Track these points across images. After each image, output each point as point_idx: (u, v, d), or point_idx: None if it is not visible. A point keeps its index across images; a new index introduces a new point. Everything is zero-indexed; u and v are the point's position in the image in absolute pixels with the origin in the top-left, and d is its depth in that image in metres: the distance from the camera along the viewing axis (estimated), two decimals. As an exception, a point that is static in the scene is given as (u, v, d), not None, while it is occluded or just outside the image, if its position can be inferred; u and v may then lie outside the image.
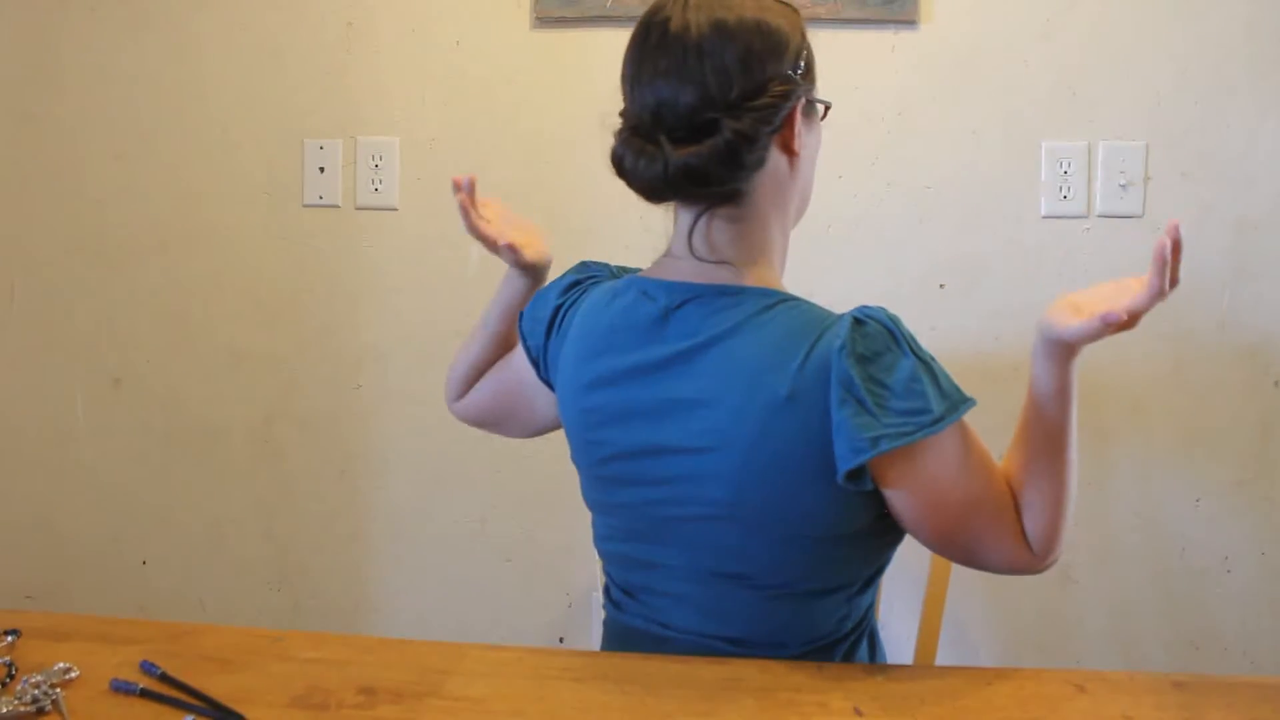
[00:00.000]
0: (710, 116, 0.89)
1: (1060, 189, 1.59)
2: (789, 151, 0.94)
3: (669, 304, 0.93)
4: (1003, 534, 0.90)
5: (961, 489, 0.87)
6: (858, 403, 0.83)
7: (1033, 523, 0.91)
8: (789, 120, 0.92)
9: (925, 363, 0.86)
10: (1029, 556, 0.91)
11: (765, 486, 0.88)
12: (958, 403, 0.85)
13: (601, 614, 1.06)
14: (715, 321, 0.91)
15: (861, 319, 0.86)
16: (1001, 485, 0.91)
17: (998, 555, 0.90)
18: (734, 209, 0.93)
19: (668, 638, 0.96)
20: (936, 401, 0.84)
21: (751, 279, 0.93)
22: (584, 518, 1.06)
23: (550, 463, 1.61)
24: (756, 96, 0.90)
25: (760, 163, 0.91)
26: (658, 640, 0.96)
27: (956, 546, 0.91)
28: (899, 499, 0.88)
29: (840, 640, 0.96)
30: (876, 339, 0.85)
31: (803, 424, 0.86)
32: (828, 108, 0.99)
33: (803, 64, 0.93)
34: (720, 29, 0.90)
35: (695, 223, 0.94)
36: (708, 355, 0.90)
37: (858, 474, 0.85)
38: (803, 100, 0.93)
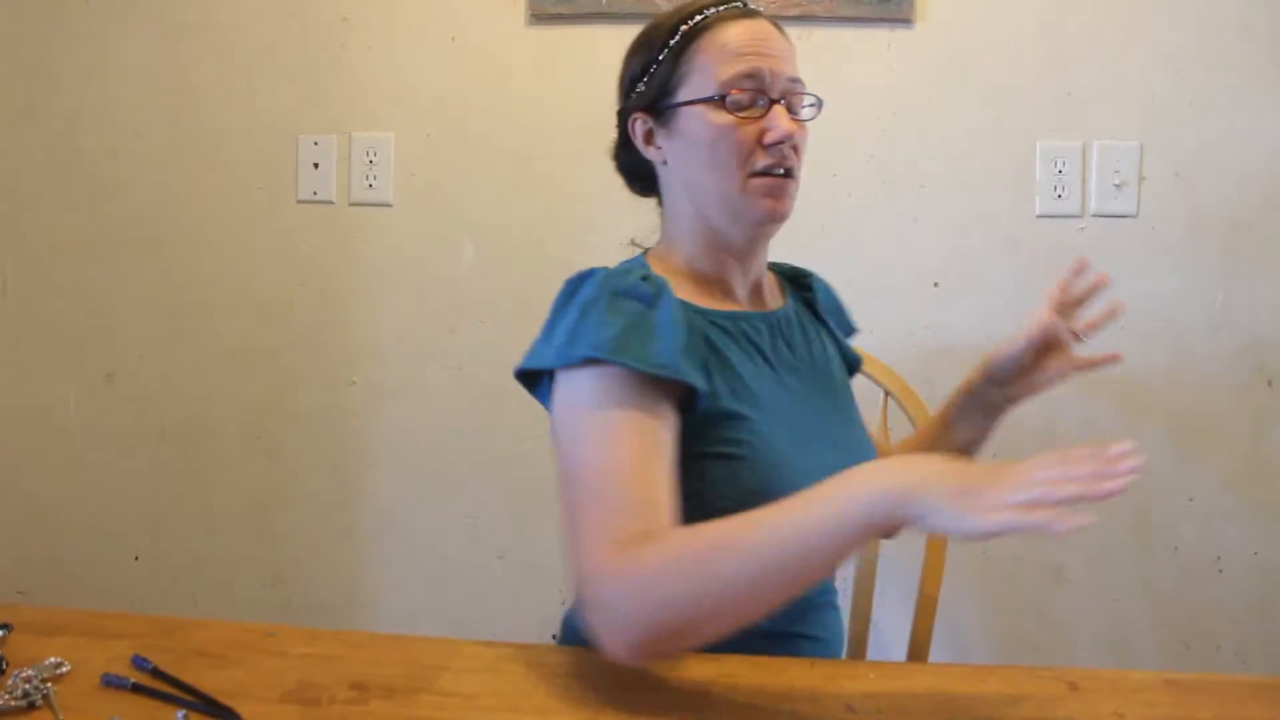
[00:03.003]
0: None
1: (1055, 188, 1.59)
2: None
3: None
4: (590, 521, 0.79)
5: (571, 445, 0.84)
6: (543, 328, 0.93)
7: (657, 556, 0.75)
8: (635, 137, 1.02)
9: (584, 314, 0.87)
10: (603, 558, 0.76)
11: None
12: (578, 352, 0.85)
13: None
14: None
15: (597, 269, 0.93)
16: (626, 472, 0.80)
17: (584, 541, 0.79)
18: (660, 204, 1.07)
19: None
20: (566, 342, 0.87)
21: (655, 253, 1.05)
22: (577, 514, 1.06)
23: (544, 460, 1.60)
24: (620, 120, 1.05)
25: (648, 170, 1.04)
26: None
27: (567, 523, 0.82)
28: None
29: None
30: (576, 282, 0.92)
31: None
32: (717, 99, 0.94)
33: (629, 83, 1.02)
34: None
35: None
36: None
37: (532, 387, 0.94)
38: (634, 118, 1.01)
